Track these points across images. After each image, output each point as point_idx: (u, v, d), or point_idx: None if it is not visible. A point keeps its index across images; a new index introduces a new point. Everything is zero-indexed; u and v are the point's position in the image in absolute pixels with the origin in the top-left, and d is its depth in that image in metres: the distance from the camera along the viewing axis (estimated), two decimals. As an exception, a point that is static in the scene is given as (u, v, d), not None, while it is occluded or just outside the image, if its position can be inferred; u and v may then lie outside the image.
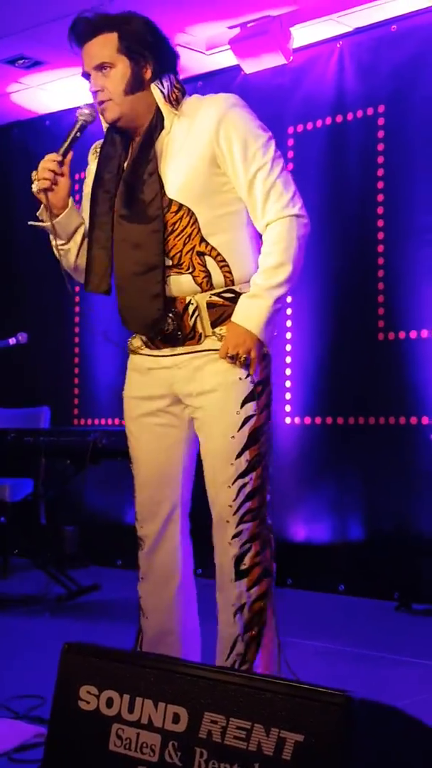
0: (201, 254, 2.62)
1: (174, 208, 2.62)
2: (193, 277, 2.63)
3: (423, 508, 5.10)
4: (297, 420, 5.63)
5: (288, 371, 5.69)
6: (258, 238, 2.70)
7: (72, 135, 2.69)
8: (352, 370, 5.44)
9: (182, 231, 2.62)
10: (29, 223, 2.75)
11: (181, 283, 2.65)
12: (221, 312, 2.64)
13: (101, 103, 2.65)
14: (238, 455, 2.63)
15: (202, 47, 5.77)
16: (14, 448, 5.16)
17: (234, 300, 2.65)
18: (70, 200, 2.72)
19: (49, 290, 6.78)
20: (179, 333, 2.66)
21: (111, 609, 4.94)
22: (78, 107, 2.72)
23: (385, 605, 4.99)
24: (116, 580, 5.42)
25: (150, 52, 2.64)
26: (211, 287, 2.64)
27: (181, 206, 2.62)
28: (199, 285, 2.64)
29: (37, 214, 2.75)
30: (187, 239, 2.62)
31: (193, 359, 2.67)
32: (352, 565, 5.34)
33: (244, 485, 2.63)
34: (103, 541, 6.16)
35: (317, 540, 5.51)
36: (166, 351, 2.70)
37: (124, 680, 2.09)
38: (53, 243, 2.76)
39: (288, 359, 5.70)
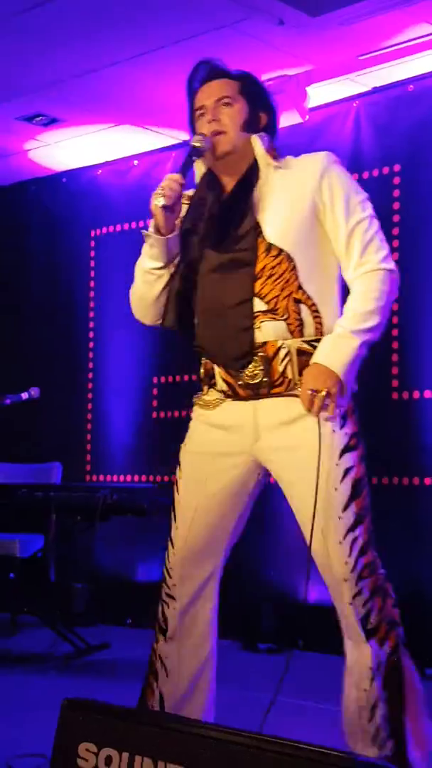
0: (297, 301, 2.58)
1: (274, 252, 2.59)
2: (287, 323, 2.58)
3: (437, 570, 5.02)
4: (310, 478, 5.56)
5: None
6: (343, 293, 2.68)
7: (187, 160, 2.66)
8: (366, 430, 5.35)
9: (280, 276, 2.58)
10: (141, 231, 2.67)
11: (274, 329, 2.58)
12: (309, 360, 2.57)
13: (216, 134, 2.66)
14: (345, 508, 2.54)
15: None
16: (25, 503, 5.12)
17: None
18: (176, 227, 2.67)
19: (62, 345, 6.79)
20: (265, 379, 2.59)
21: (120, 668, 4.85)
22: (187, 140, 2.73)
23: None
24: (126, 639, 5.34)
25: (264, 106, 2.74)
26: (302, 335, 2.59)
27: (280, 251, 2.58)
28: (291, 333, 2.59)
29: (148, 231, 2.66)
30: (285, 284, 2.58)
31: (280, 408, 2.58)
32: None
33: (355, 539, 2.55)
34: (113, 599, 6.08)
35: (329, 601, 5.40)
36: (250, 400, 2.62)
37: (123, 738, 2.04)
38: (145, 267, 2.68)
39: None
